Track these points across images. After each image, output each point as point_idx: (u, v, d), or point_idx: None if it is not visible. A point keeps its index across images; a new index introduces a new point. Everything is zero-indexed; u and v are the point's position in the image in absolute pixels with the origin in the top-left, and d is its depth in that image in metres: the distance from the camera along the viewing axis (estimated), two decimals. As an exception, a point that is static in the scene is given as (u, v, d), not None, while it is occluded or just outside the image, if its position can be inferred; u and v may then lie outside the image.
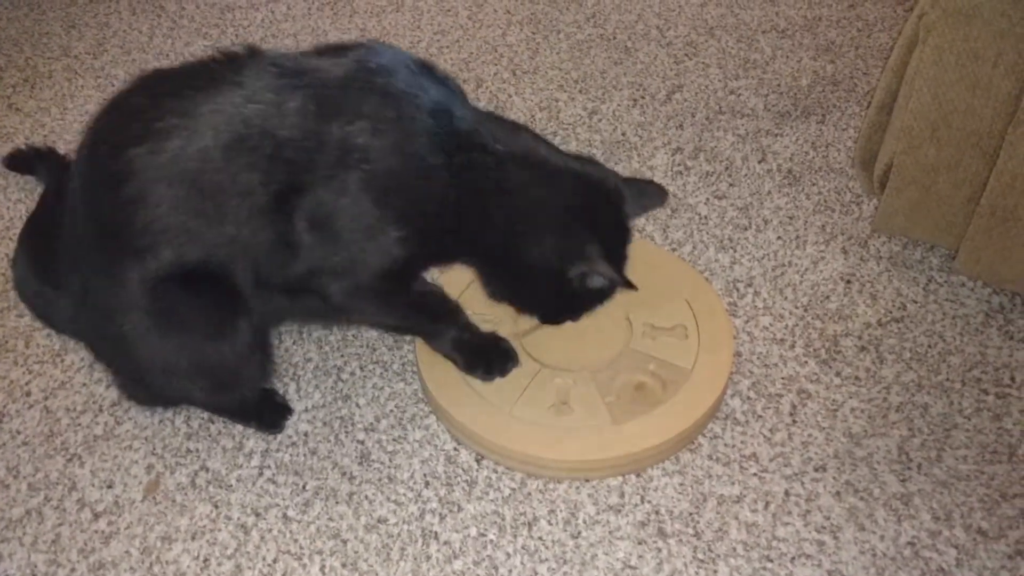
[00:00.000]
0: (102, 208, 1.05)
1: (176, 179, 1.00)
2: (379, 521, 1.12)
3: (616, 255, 1.13)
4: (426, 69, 1.08)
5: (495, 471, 1.17)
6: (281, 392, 1.27)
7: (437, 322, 1.21)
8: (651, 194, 1.20)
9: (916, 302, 1.35)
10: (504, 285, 1.17)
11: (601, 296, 1.16)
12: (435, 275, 1.36)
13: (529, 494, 1.14)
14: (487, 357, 1.21)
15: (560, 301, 1.17)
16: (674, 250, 1.45)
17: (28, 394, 1.28)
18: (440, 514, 1.12)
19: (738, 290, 1.38)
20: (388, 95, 1.03)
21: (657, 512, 1.12)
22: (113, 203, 1.03)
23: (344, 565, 1.08)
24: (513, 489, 1.15)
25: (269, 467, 1.18)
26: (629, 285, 1.12)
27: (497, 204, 1.08)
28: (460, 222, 1.07)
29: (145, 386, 1.20)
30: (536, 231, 1.09)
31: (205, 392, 1.16)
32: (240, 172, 1.00)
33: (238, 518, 1.13)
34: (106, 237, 1.06)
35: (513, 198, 1.08)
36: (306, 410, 1.25)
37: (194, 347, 1.09)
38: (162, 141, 0.99)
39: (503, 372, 1.21)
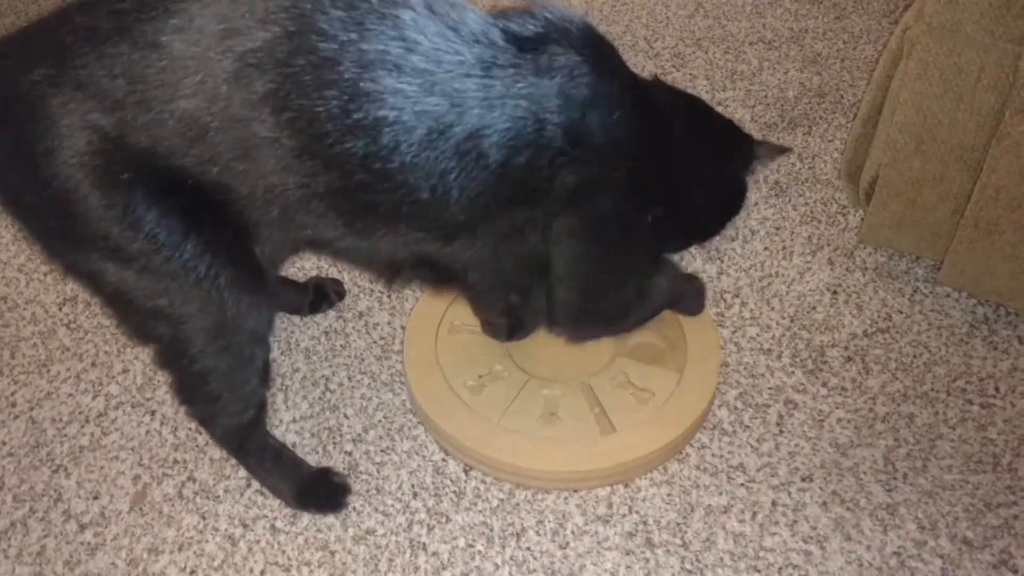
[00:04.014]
0: None
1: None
2: (367, 532, 1.12)
3: None
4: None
5: (483, 482, 1.17)
6: (274, 398, 1.26)
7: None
8: None
9: (901, 313, 1.36)
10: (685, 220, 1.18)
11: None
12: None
13: (517, 505, 1.14)
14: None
15: (728, 209, 1.21)
16: (662, 261, 1.46)
17: (13, 404, 1.27)
18: (428, 525, 1.12)
19: (725, 301, 1.39)
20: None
21: (645, 522, 1.12)
22: None
23: (332, 577, 1.08)
24: (501, 500, 1.15)
25: (257, 478, 1.18)
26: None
27: (682, 145, 1.10)
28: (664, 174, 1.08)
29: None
30: (721, 150, 1.15)
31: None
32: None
33: (226, 529, 1.13)
34: None
35: (691, 135, 1.11)
36: (294, 420, 1.25)
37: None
38: None
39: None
